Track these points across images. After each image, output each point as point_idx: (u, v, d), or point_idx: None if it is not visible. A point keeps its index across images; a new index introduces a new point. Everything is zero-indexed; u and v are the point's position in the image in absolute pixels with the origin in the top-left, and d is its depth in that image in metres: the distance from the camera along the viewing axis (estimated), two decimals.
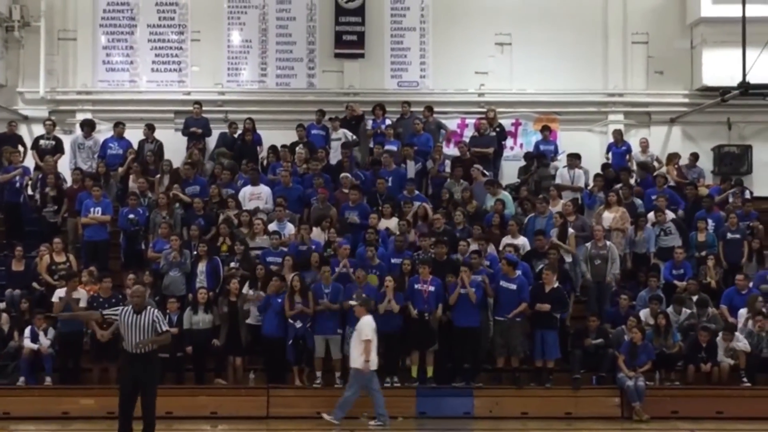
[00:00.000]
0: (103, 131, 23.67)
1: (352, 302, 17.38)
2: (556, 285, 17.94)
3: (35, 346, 17.97)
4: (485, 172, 21.89)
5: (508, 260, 18.10)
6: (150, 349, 13.50)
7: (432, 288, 17.84)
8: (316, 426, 17.16)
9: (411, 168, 22.07)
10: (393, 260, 18.80)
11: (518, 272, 18.09)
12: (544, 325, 17.86)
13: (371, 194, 21.01)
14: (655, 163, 23.40)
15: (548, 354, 17.89)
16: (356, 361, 16.57)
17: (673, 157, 23.43)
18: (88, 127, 23.08)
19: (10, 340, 18.42)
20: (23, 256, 19.81)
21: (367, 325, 16.69)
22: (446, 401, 17.77)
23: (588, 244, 19.53)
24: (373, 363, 16.63)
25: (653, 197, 21.40)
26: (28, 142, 23.07)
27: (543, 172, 22.45)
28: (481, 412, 17.73)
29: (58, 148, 22.74)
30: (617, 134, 23.95)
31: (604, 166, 22.85)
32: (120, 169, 22.17)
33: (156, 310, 13.89)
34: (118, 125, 23.13)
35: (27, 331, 18.09)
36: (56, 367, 18.16)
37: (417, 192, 21.06)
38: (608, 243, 19.51)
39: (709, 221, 20.83)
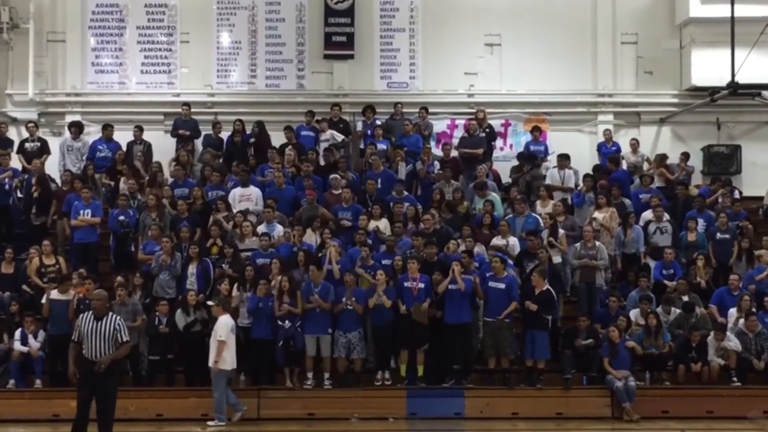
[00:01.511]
0: (93, 133, 23.64)
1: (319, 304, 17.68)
2: (545, 288, 17.94)
3: (25, 349, 17.93)
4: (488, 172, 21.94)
5: (500, 258, 18.11)
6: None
7: (421, 285, 17.85)
8: (308, 428, 17.17)
9: (402, 169, 22.08)
10: (384, 261, 18.80)
11: (506, 272, 18.10)
12: (534, 326, 17.85)
13: (361, 195, 21.01)
14: (645, 164, 23.43)
15: (538, 354, 17.89)
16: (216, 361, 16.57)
17: (662, 158, 23.46)
18: (76, 128, 23.06)
19: None
20: (13, 258, 19.77)
21: (223, 325, 16.72)
22: (437, 402, 17.75)
23: (577, 245, 19.56)
24: (227, 363, 16.67)
25: (640, 197, 21.46)
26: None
27: (535, 173, 22.46)
28: (472, 412, 17.72)
29: (43, 150, 22.67)
30: (607, 134, 24.00)
31: (596, 168, 22.88)
32: (104, 176, 22.11)
33: (118, 318, 13.54)
34: (107, 127, 23.09)
35: (17, 333, 18.05)
36: (46, 369, 18.10)
37: (406, 193, 21.06)
38: (597, 243, 19.53)
39: (700, 221, 20.87)
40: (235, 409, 17.09)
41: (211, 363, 16.64)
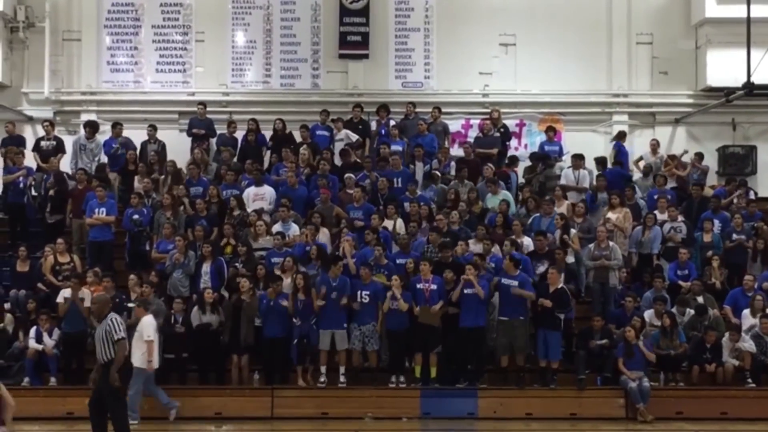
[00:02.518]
0: (107, 132, 23.68)
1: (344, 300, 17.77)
2: (560, 285, 17.92)
3: (40, 347, 17.99)
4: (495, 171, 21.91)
5: (512, 258, 18.09)
6: (110, 358, 13.28)
7: (434, 287, 17.84)
8: (322, 426, 17.18)
9: (419, 169, 22.07)
10: (398, 261, 18.80)
11: (519, 270, 18.07)
12: (547, 326, 17.83)
13: (373, 194, 21.01)
14: (662, 166, 23.27)
15: (551, 355, 17.86)
16: (138, 360, 16.33)
17: (673, 158, 23.42)
18: (91, 128, 23.09)
19: (14, 340, 18.44)
20: (27, 256, 19.86)
21: (149, 325, 16.71)
22: (450, 402, 17.75)
23: (591, 245, 19.52)
24: (155, 362, 16.75)
25: (655, 197, 21.42)
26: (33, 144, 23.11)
27: (549, 173, 22.42)
28: (485, 412, 17.71)
29: (59, 149, 22.74)
30: (622, 135, 23.98)
31: (613, 164, 22.85)
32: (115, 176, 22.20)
33: (113, 317, 13.52)
34: (116, 126, 23.15)
35: (32, 331, 18.11)
36: (60, 367, 18.17)
37: (419, 192, 21.04)
38: (611, 244, 19.50)
39: (716, 222, 20.81)
40: (169, 407, 17.10)
41: (140, 363, 16.40)
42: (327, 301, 17.87)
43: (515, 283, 17.86)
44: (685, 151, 23.69)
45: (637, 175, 23.15)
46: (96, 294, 14.76)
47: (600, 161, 22.71)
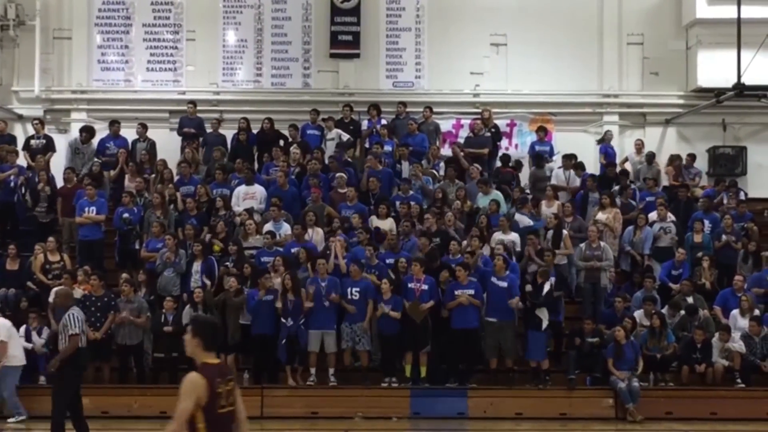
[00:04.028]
0: (99, 131, 23.62)
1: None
2: (548, 289, 17.91)
3: (29, 346, 17.93)
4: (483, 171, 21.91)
5: (503, 259, 18.11)
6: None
7: (425, 287, 17.85)
8: (311, 426, 17.18)
9: (405, 168, 22.06)
10: (388, 260, 18.81)
11: (508, 272, 18.09)
12: (530, 326, 17.85)
13: (362, 194, 21.01)
14: (645, 165, 23.30)
15: (534, 354, 17.87)
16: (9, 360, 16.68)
17: (674, 159, 23.49)
18: (87, 133, 22.93)
19: None
20: (17, 255, 19.80)
21: (2, 327, 16.77)
22: (440, 401, 17.78)
23: (582, 245, 19.55)
24: (16, 359, 16.89)
25: (647, 199, 21.46)
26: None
27: (538, 174, 22.43)
28: (475, 412, 17.74)
29: (49, 147, 22.68)
30: (609, 135, 24.02)
31: (607, 165, 22.89)
32: (113, 172, 22.14)
33: (72, 312, 13.92)
34: (114, 124, 23.11)
35: (21, 330, 18.06)
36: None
37: (412, 192, 21.04)
38: (602, 244, 19.53)
39: (706, 222, 20.84)
40: (15, 412, 17.17)
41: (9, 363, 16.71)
42: (316, 302, 17.86)
43: (505, 284, 17.87)
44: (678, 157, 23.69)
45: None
46: (58, 288, 15.07)
47: (579, 166, 22.68)
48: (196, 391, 7.28)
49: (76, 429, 13.85)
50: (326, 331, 17.89)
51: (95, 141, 23.04)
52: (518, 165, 23.04)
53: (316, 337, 17.86)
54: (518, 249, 19.31)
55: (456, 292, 17.75)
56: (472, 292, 17.78)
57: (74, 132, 23.39)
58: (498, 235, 19.37)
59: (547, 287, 17.90)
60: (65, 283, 18.00)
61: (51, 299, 16.77)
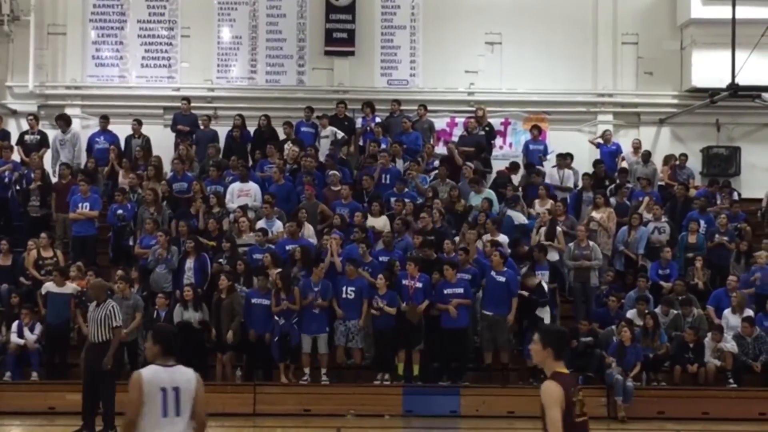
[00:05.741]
0: (92, 126, 23.58)
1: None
2: (538, 280, 17.94)
3: (21, 341, 17.94)
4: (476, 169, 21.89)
5: (501, 254, 18.12)
6: (104, 340, 14.73)
7: (419, 285, 17.86)
8: (304, 423, 17.18)
9: (399, 166, 22.05)
10: (381, 258, 18.81)
11: (506, 267, 18.11)
12: (530, 324, 17.86)
13: (357, 192, 20.99)
14: (638, 166, 23.31)
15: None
16: None
17: (669, 159, 23.51)
18: (63, 121, 22.97)
19: None
20: (10, 250, 19.77)
21: None
22: (433, 400, 17.78)
23: (571, 245, 19.57)
24: None
25: (640, 198, 21.49)
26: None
27: (529, 180, 22.38)
28: (468, 410, 17.74)
29: (43, 143, 22.69)
30: (607, 134, 24.00)
31: (596, 163, 22.89)
32: (106, 169, 22.13)
33: (113, 305, 14.95)
34: (103, 118, 23.10)
35: (14, 326, 18.05)
36: (43, 362, 18.13)
37: (406, 190, 21.03)
38: (591, 243, 19.54)
39: (701, 222, 20.84)
40: None
41: None
42: (307, 308, 17.86)
43: (503, 279, 17.88)
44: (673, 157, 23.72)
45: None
46: (94, 281, 15.94)
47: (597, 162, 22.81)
48: (558, 400, 7.53)
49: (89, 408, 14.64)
50: (319, 335, 17.89)
51: (77, 132, 23.03)
52: (514, 167, 22.99)
53: (308, 340, 17.86)
54: (507, 250, 19.27)
55: (445, 291, 17.75)
56: (461, 290, 17.79)
57: (69, 128, 23.31)
58: (486, 237, 19.36)
59: (542, 282, 17.96)
60: (57, 282, 18.02)
61: (89, 290, 16.76)
